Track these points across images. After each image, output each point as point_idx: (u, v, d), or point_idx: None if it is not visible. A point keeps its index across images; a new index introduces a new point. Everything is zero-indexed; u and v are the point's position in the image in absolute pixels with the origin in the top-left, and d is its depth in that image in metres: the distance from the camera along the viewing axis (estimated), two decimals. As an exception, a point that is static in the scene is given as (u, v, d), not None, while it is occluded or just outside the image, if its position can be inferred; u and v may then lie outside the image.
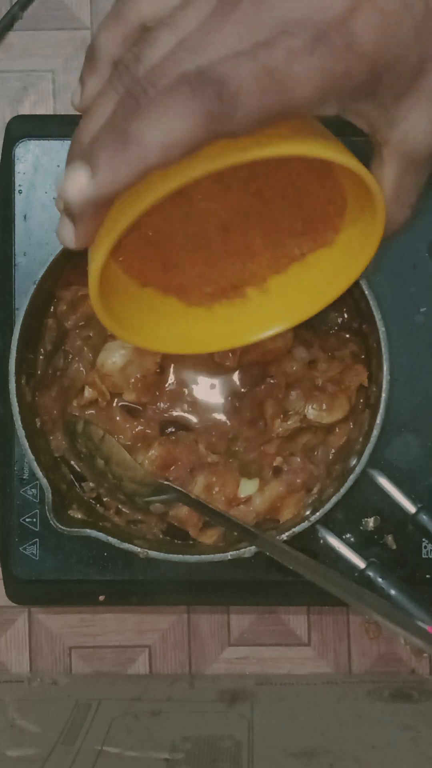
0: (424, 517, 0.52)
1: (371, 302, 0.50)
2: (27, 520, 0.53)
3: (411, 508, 0.52)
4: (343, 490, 0.50)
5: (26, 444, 0.50)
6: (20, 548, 0.54)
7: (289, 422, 0.52)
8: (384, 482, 0.52)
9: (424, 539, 0.53)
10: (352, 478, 0.50)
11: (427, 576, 0.53)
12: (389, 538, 0.53)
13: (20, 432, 0.50)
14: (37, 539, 0.53)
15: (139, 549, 0.49)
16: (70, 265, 0.51)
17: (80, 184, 0.31)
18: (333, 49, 0.32)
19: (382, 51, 0.33)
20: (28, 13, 0.59)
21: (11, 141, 0.54)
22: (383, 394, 0.50)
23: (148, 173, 0.31)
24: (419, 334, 0.53)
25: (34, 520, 0.53)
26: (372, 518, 0.53)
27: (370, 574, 0.51)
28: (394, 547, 0.53)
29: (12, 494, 0.54)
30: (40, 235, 0.54)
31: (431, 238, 0.54)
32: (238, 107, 0.31)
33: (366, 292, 0.50)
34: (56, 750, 0.48)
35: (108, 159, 0.31)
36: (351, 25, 0.32)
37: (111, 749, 0.48)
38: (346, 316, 0.54)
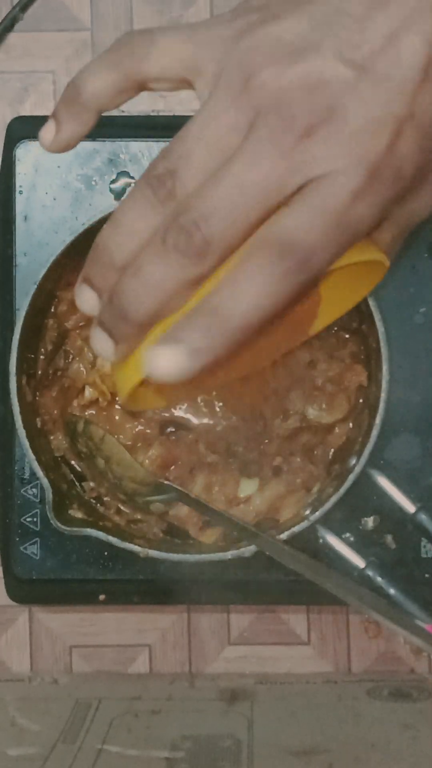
0: (424, 516, 0.52)
1: (371, 302, 0.50)
2: (27, 519, 0.54)
3: (410, 508, 0.52)
4: (342, 490, 0.50)
5: (27, 444, 0.50)
6: (21, 547, 0.54)
7: (289, 422, 0.52)
8: (383, 482, 0.52)
9: (423, 539, 0.53)
10: (351, 477, 0.50)
11: (426, 575, 0.53)
12: (389, 538, 0.53)
13: (21, 432, 0.50)
14: (38, 539, 0.54)
15: (139, 548, 0.49)
16: (71, 265, 0.51)
17: (175, 363, 0.32)
18: (386, 180, 0.33)
19: (422, 165, 0.34)
20: (29, 14, 0.59)
21: (12, 142, 0.54)
22: (383, 394, 0.50)
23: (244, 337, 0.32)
24: (419, 334, 0.53)
25: (35, 519, 0.54)
26: (371, 518, 0.53)
27: (370, 573, 0.51)
28: (394, 546, 0.53)
29: (12, 494, 0.54)
30: (40, 235, 0.54)
31: (431, 239, 0.54)
32: (315, 262, 0.32)
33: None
34: (57, 749, 0.48)
35: (202, 337, 0.32)
36: (397, 152, 0.33)
37: (111, 748, 0.48)
38: (345, 316, 0.54)
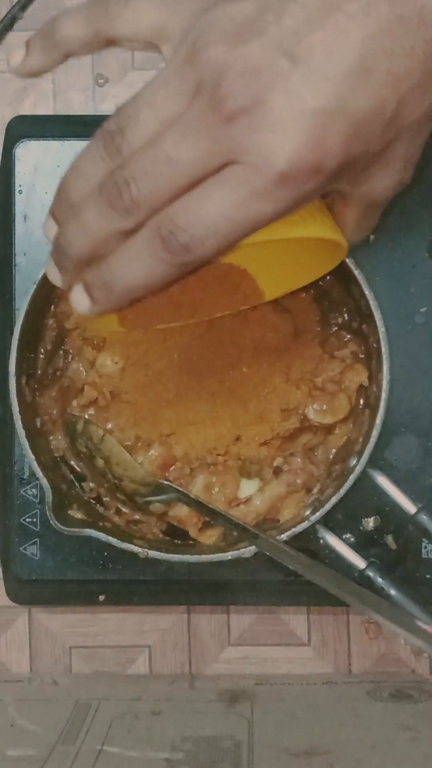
0: (424, 517, 0.52)
1: (371, 302, 0.50)
2: (27, 520, 0.53)
3: (411, 508, 0.52)
4: (343, 490, 0.50)
5: (26, 444, 0.50)
6: (20, 548, 0.54)
7: (289, 422, 0.52)
8: (384, 482, 0.52)
9: (424, 539, 0.53)
10: (352, 478, 0.50)
11: (428, 576, 0.53)
12: (389, 538, 0.53)
13: (20, 432, 0.50)
14: (38, 539, 0.53)
15: (139, 549, 0.49)
16: None
17: (84, 303, 0.39)
18: (299, 177, 0.34)
19: (353, 150, 0.34)
20: (29, 13, 0.59)
21: (11, 141, 0.54)
22: (383, 394, 0.50)
23: (130, 301, 0.38)
24: (419, 334, 0.53)
25: (35, 520, 0.53)
26: (372, 518, 0.53)
27: (370, 574, 0.51)
28: (394, 547, 0.53)
29: (12, 494, 0.54)
30: (40, 235, 0.53)
31: (431, 238, 0.54)
32: (195, 254, 0.35)
33: (366, 292, 0.50)
34: (56, 750, 0.48)
35: (100, 297, 0.38)
36: (318, 147, 0.33)
37: (111, 749, 0.48)
38: (346, 316, 0.54)
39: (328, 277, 0.53)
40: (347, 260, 0.49)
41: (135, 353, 0.53)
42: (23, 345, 0.50)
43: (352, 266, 0.50)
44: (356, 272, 0.50)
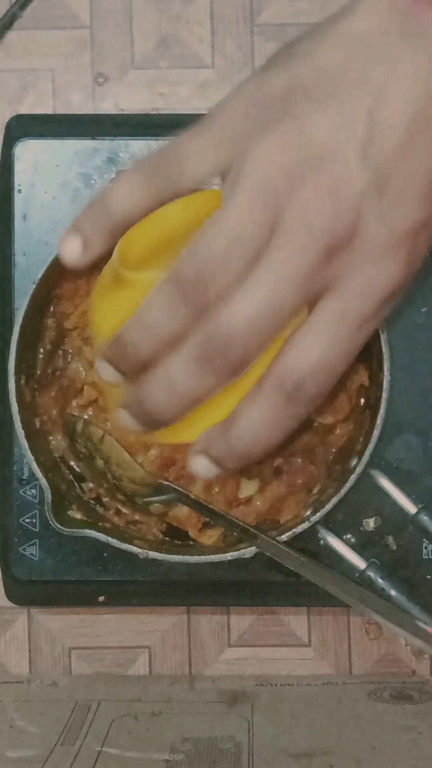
0: (425, 517, 0.52)
1: None
2: (26, 520, 0.53)
3: (412, 509, 0.52)
4: (343, 491, 0.50)
5: (26, 444, 0.50)
6: (20, 549, 0.53)
7: None
8: (385, 482, 0.52)
9: (424, 540, 0.53)
10: (352, 478, 0.50)
11: (428, 577, 0.53)
12: (390, 539, 0.53)
13: (20, 432, 0.50)
14: (37, 540, 0.53)
15: (139, 550, 0.49)
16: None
17: (210, 469, 0.40)
18: (395, 297, 0.36)
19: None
20: (28, 12, 0.59)
21: (11, 140, 0.54)
22: (384, 395, 0.50)
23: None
24: (419, 334, 0.53)
25: (34, 520, 0.53)
26: (372, 518, 0.53)
27: (371, 574, 0.51)
28: (395, 547, 0.53)
29: (11, 494, 0.53)
30: (39, 234, 0.54)
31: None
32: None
33: None
34: (56, 751, 0.48)
35: (223, 459, 0.39)
36: (412, 262, 0.34)
37: (111, 750, 0.48)
38: None
39: None
40: None
41: None
42: (22, 344, 0.50)
43: None
44: None
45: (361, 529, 0.53)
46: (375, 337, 0.50)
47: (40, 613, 0.59)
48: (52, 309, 0.53)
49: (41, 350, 0.53)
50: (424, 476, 0.53)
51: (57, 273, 0.51)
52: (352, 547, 0.52)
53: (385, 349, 0.50)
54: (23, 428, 0.50)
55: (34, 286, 0.50)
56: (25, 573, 0.54)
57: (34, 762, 0.47)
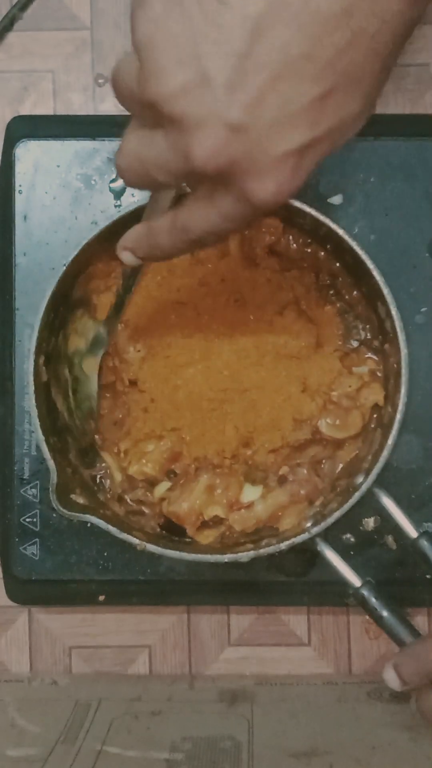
0: (425, 543, 0.50)
1: (397, 323, 0.49)
2: (27, 519, 0.53)
3: (413, 533, 0.50)
4: (346, 507, 0.49)
5: (38, 423, 0.49)
6: (20, 548, 0.54)
7: (300, 432, 0.52)
8: (388, 503, 0.51)
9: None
10: (357, 495, 0.49)
11: (428, 576, 0.53)
12: (389, 539, 0.53)
13: (33, 411, 0.49)
14: (37, 539, 0.53)
15: (137, 540, 0.49)
16: (100, 249, 0.51)
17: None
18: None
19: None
20: (28, 13, 0.59)
21: (11, 141, 0.54)
22: (398, 416, 0.49)
23: None
24: (419, 334, 0.53)
25: (34, 520, 0.53)
26: (372, 518, 0.53)
27: (365, 593, 0.50)
28: (394, 547, 0.53)
29: (12, 494, 0.54)
30: (40, 235, 0.54)
31: (431, 238, 0.53)
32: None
33: (393, 313, 0.49)
34: (56, 750, 0.48)
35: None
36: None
37: (111, 749, 0.48)
38: (369, 333, 0.53)
39: (355, 292, 0.53)
40: (377, 277, 0.49)
41: (157, 344, 0.53)
42: (45, 325, 0.50)
43: (382, 285, 0.49)
44: (385, 291, 0.49)
45: (361, 528, 0.53)
46: (396, 358, 0.50)
47: (40, 613, 0.59)
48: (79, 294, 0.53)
49: (61, 336, 0.53)
50: (423, 477, 0.53)
51: (86, 257, 0.51)
52: (352, 546, 0.52)
53: (405, 371, 0.49)
54: (36, 407, 0.49)
55: (64, 268, 0.50)
56: (26, 572, 0.54)
57: (34, 761, 0.47)
